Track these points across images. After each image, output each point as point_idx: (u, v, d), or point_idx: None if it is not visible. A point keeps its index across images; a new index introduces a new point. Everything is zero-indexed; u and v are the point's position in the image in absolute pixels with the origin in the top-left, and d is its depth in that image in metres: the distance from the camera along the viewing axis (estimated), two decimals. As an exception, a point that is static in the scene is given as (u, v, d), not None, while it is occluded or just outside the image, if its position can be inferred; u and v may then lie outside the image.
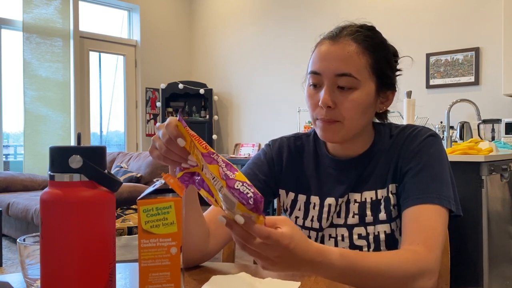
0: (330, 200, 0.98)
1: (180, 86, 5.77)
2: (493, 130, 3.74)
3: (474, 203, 2.29)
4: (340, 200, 0.97)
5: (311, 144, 1.04)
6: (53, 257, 0.54)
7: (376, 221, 0.94)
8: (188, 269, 0.88)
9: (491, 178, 2.34)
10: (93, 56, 5.75)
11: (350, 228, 0.96)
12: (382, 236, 0.93)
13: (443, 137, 3.06)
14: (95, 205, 0.56)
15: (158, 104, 6.00)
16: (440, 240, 0.83)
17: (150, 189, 0.61)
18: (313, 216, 0.99)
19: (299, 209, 1.01)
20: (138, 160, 4.49)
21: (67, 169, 0.55)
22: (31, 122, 5.06)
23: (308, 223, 1.00)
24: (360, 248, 0.95)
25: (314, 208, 0.99)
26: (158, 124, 0.73)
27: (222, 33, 6.12)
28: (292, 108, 5.20)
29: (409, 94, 2.83)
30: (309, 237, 1.00)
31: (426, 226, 0.83)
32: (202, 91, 5.81)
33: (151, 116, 6.13)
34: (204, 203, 0.82)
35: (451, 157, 2.27)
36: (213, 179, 0.61)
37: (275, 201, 1.12)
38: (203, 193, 0.65)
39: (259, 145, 5.68)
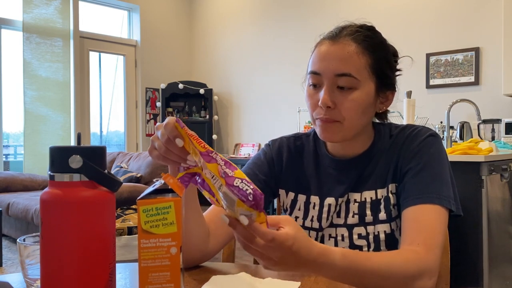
0: (330, 200, 0.98)
1: (180, 86, 5.78)
2: (493, 130, 3.74)
3: (474, 203, 2.29)
4: (340, 200, 0.97)
5: (311, 144, 1.04)
6: (53, 257, 0.54)
7: (376, 221, 0.94)
8: (188, 269, 0.88)
9: (491, 178, 2.34)
10: (93, 56, 5.75)
11: (350, 228, 0.96)
12: (382, 236, 0.93)
13: (443, 137, 3.06)
14: (95, 205, 0.56)
15: (158, 104, 6.00)
16: (440, 240, 0.83)
17: (150, 189, 0.61)
18: (313, 216, 0.99)
19: (299, 209, 1.01)
20: (138, 160, 4.49)
21: (67, 169, 0.55)
22: (31, 122, 5.06)
23: (308, 223, 1.00)
24: (360, 248, 0.95)
25: (314, 208, 0.99)
26: (157, 123, 0.73)
27: (222, 33, 6.12)
28: (292, 108, 5.20)
29: (409, 94, 2.83)
30: (309, 237, 1.00)
31: (426, 226, 0.83)
32: (202, 91, 5.81)
33: (151, 116, 6.13)
34: (204, 203, 0.82)
35: (451, 157, 2.27)
36: (212, 178, 0.61)
37: (275, 201, 1.12)
38: (205, 193, 0.65)
39: (259, 145, 5.68)
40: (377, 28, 0.95)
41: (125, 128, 6.04)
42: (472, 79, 3.99)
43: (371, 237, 0.94)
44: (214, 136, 5.83)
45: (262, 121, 5.69)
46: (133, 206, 3.55)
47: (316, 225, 0.99)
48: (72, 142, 5.35)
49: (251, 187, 0.57)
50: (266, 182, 1.02)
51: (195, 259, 0.90)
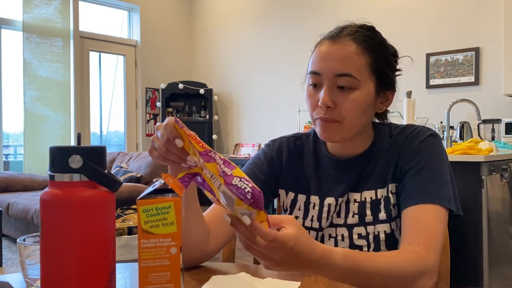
0: (330, 200, 0.98)
1: (180, 86, 5.78)
2: (493, 130, 3.74)
3: (474, 203, 2.29)
4: (340, 199, 0.97)
5: (311, 144, 1.04)
6: (53, 257, 0.54)
7: (376, 221, 0.94)
8: (188, 269, 0.88)
9: (491, 178, 2.34)
10: (93, 56, 5.75)
11: (350, 227, 0.96)
12: (382, 235, 0.93)
13: (443, 137, 3.06)
14: (95, 205, 0.56)
15: (158, 104, 6.00)
16: (440, 240, 0.83)
17: (149, 189, 0.61)
18: (313, 216, 0.99)
19: (299, 209, 1.01)
20: (138, 160, 4.49)
21: (67, 169, 0.55)
22: (31, 122, 5.06)
23: (308, 223, 1.00)
24: (360, 247, 0.95)
25: (314, 208, 0.99)
26: (157, 124, 0.73)
27: (222, 33, 6.12)
28: (292, 108, 5.21)
29: (409, 94, 2.83)
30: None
31: (426, 226, 0.83)
32: (202, 91, 5.81)
33: (151, 116, 6.13)
34: (204, 203, 0.83)
35: (451, 157, 2.27)
36: (212, 177, 0.61)
37: (275, 201, 1.12)
38: (207, 193, 0.65)
39: (259, 145, 5.68)
40: (377, 28, 0.95)
41: (125, 128, 6.04)
42: (472, 79, 3.99)
43: (371, 237, 0.94)
44: (214, 136, 5.83)
45: (262, 121, 5.69)
46: (133, 206, 3.55)
47: (316, 225, 0.99)
48: (72, 142, 5.35)
49: (250, 185, 0.56)
50: (266, 182, 1.02)
51: (195, 259, 0.90)
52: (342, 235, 0.96)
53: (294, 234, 0.63)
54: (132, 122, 6.07)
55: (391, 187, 0.94)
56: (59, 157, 0.56)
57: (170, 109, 5.97)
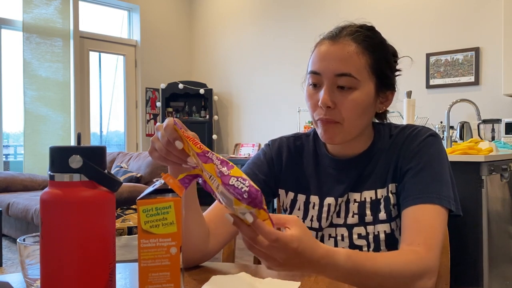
0: (329, 200, 0.98)
1: (180, 86, 5.78)
2: (493, 130, 3.74)
3: (474, 203, 2.29)
4: (339, 199, 0.97)
5: (310, 144, 1.04)
6: (53, 257, 0.54)
7: (376, 221, 0.94)
8: (188, 269, 0.88)
9: (491, 178, 2.34)
10: (93, 56, 5.75)
11: (349, 227, 0.96)
12: (382, 235, 0.93)
13: (443, 137, 3.06)
14: (95, 205, 0.56)
15: (158, 104, 6.00)
16: (440, 240, 0.83)
17: (149, 189, 0.61)
18: (312, 216, 0.99)
19: (299, 209, 1.01)
20: (138, 160, 4.50)
21: (67, 169, 0.55)
22: (31, 122, 5.06)
23: (307, 223, 1.00)
24: (359, 247, 0.95)
25: (313, 207, 0.99)
26: (157, 124, 0.73)
27: (222, 33, 6.12)
28: (292, 108, 5.21)
29: (409, 94, 2.83)
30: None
31: (426, 226, 0.83)
32: (202, 91, 5.81)
33: (151, 116, 6.13)
34: (204, 203, 0.83)
35: (451, 157, 2.27)
36: (210, 178, 0.61)
37: (275, 201, 1.12)
38: (213, 195, 0.65)
39: (259, 145, 5.68)
40: (377, 28, 0.95)
41: (125, 128, 6.04)
42: (472, 79, 3.99)
43: (371, 237, 0.94)
44: (214, 136, 5.83)
45: (262, 121, 5.69)
46: (133, 206, 3.55)
47: (316, 225, 0.99)
48: (72, 142, 5.35)
49: (247, 184, 0.56)
50: (266, 182, 1.02)
51: (195, 259, 0.90)
52: (342, 235, 0.96)
53: (297, 235, 0.63)
54: (132, 122, 6.08)
55: (391, 187, 0.94)
56: (59, 157, 0.56)
57: (170, 109, 5.97)
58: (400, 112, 3.44)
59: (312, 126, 0.95)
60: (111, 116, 6.00)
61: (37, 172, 4.99)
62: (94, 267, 0.55)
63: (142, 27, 6.00)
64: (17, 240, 0.66)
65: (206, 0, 6.32)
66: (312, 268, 0.67)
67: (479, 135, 3.71)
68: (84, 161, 0.55)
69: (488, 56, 3.91)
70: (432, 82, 4.22)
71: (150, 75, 6.08)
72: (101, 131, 5.94)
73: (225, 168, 0.58)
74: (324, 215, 0.98)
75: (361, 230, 0.95)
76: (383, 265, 0.75)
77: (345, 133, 0.91)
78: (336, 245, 0.97)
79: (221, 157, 0.60)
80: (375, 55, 0.90)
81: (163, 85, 5.87)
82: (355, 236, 0.95)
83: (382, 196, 0.94)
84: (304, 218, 1.00)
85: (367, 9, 4.62)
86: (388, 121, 1.04)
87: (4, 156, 5.16)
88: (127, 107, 6.03)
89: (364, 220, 0.95)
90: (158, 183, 0.62)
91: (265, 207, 0.59)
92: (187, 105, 6.05)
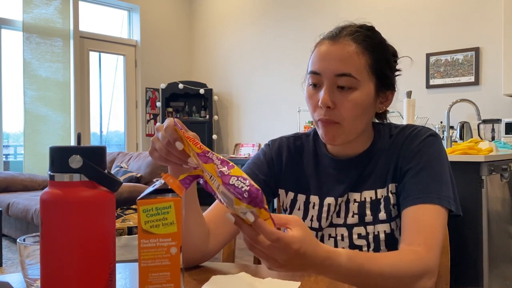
0: (329, 200, 0.98)
1: (180, 86, 5.78)
2: (493, 130, 3.74)
3: (474, 203, 2.29)
4: (339, 199, 0.97)
5: (310, 144, 1.04)
6: (53, 257, 0.54)
7: (375, 221, 0.94)
8: (188, 269, 0.88)
9: (491, 178, 2.34)
10: (93, 56, 5.75)
11: (349, 227, 0.96)
12: (382, 235, 0.93)
13: (443, 137, 3.06)
14: (95, 205, 0.56)
15: (158, 104, 6.00)
16: (440, 240, 0.83)
17: (150, 189, 0.61)
18: (312, 216, 0.99)
19: (299, 209, 1.01)
20: (138, 160, 4.49)
21: (67, 169, 0.55)
22: (31, 122, 5.06)
23: (307, 223, 1.00)
24: (359, 247, 0.95)
25: (313, 207, 0.99)
26: (157, 124, 0.73)
27: (222, 33, 6.12)
28: (292, 108, 5.21)
29: (409, 94, 2.83)
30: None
31: (426, 226, 0.83)
32: (202, 91, 5.81)
33: (151, 116, 6.13)
34: (204, 203, 0.83)
35: (451, 157, 2.27)
36: (211, 178, 0.61)
37: (275, 201, 1.12)
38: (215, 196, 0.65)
39: (259, 145, 5.68)
40: (377, 28, 0.95)
41: (125, 128, 6.04)
42: (472, 79, 3.99)
43: (370, 237, 0.94)
44: (214, 136, 5.83)
45: (262, 121, 5.69)
46: (133, 206, 3.55)
47: (315, 224, 0.99)
48: (72, 142, 5.35)
49: (247, 183, 0.56)
50: (266, 182, 1.02)
51: (195, 259, 0.90)
52: (342, 235, 0.96)
53: (299, 236, 0.62)
54: (132, 122, 6.08)
55: (391, 187, 0.94)
56: (59, 157, 0.56)
57: (170, 109, 5.97)
58: (400, 112, 3.44)
59: (312, 126, 0.94)
60: (111, 116, 6.00)
61: (37, 172, 4.99)
62: (94, 267, 0.55)
63: (142, 27, 6.00)
64: (17, 240, 0.66)
65: (206, 0, 6.32)
66: (314, 269, 0.67)
67: (479, 135, 3.71)
68: (84, 161, 0.55)
69: (488, 56, 3.91)
70: (432, 82, 4.22)
71: (150, 75, 6.08)
72: (101, 131, 5.94)
73: (226, 167, 0.58)
74: (324, 215, 0.98)
75: (361, 230, 0.95)
76: (384, 265, 0.75)
77: (345, 134, 0.91)
78: (336, 245, 0.97)
79: (222, 157, 0.60)
80: (375, 55, 0.90)
81: (163, 85, 5.87)
82: (355, 236, 0.95)
83: (382, 196, 0.95)
84: (304, 218, 1.00)
85: (367, 9, 4.62)
86: (388, 121, 1.04)
87: (4, 156, 5.16)
88: (127, 107, 6.03)
89: (364, 220, 0.95)
90: (158, 183, 0.62)
91: (266, 206, 0.59)
92: (187, 105, 6.05)
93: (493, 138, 3.69)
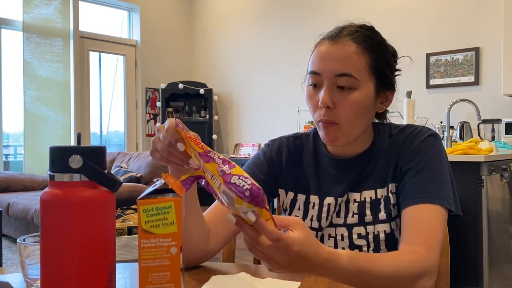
0: (329, 200, 0.98)
1: (180, 86, 5.78)
2: (493, 130, 3.74)
3: (474, 203, 2.29)
4: (339, 199, 0.97)
5: (310, 143, 1.04)
6: (53, 257, 0.54)
7: (375, 221, 0.94)
8: (188, 269, 0.88)
9: (491, 178, 2.34)
10: (93, 56, 5.75)
11: (349, 227, 0.96)
12: (382, 235, 0.93)
13: (443, 137, 3.06)
14: (95, 205, 0.56)
15: (158, 104, 6.00)
16: (440, 240, 0.83)
17: (150, 189, 0.61)
18: (312, 216, 0.99)
19: (299, 209, 1.01)
20: (138, 160, 4.50)
21: (67, 169, 0.55)
22: (31, 122, 5.06)
23: (307, 223, 1.00)
24: (359, 247, 0.95)
25: (313, 207, 0.99)
26: (158, 124, 0.73)
27: (222, 33, 6.12)
28: (292, 108, 5.21)
29: (409, 94, 2.83)
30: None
31: (426, 226, 0.83)
32: (202, 91, 5.81)
33: (151, 116, 6.13)
34: (204, 203, 0.83)
35: (451, 157, 2.27)
36: (212, 177, 0.61)
37: (275, 200, 1.12)
38: (215, 196, 0.65)
39: (259, 145, 5.68)
40: (377, 28, 0.95)
41: (125, 128, 6.04)
42: (472, 79, 3.99)
43: (370, 236, 0.94)
44: (214, 136, 5.83)
45: (262, 121, 5.69)
46: (133, 206, 3.55)
47: (315, 224, 0.99)
48: (72, 142, 5.35)
49: (248, 182, 0.56)
50: (266, 182, 1.03)
51: (195, 259, 0.90)
52: (342, 235, 0.96)
53: (299, 238, 0.62)
54: (132, 122, 6.08)
55: (391, 187, 0.94)
56: (59, 157, 0.56)
57: (170, 109, 5.97)
58: (400, 112, 3.44)
59: (312, 126, 0.94)
60: (111, 116, 6.00)
61: (37, 172, 4.99)
62: (94, 267, 0.55)
63: (142, 27, 6.00)
64: (17, 240, 0.66)
65: (206, 0, 6.32)
66: (315, 271, 0.67)
67: (479, 135, 3.71)
68: (84, 161, 0.55)
69: (488, 56, 3.91)
70: (432, 82, 4.22)
71: (150, 75, 6.08)
72: (101, 131, 5.94)
73: (227, 166, 0.58)
74: (324, 215, 0.98)
75: (361, 230, 0.95)
76: (384, 266, 0.75)
77: (346, 135, 0.91)
78: (336, 245, 0.97)
79: (223, 157, 0.60)
80: (375, 55, 0.90)
81: (163, 85, 5.87)
82: (355, 236, 0.95)
83: (382, 196, 0.95)
84: (304, 218, 1.00)
85: (367, 9, 4.62)
86: (388, 121, 1.04)
87: (4, 156, 5.16)
88: (127, 107, 6.03)
89: (364, 220, 0.95)
90: (158, 183, 0.62)
91: (268, 207, 0.59)
92: (187, 105, 6.05)
93: (493, 138, 3.69)
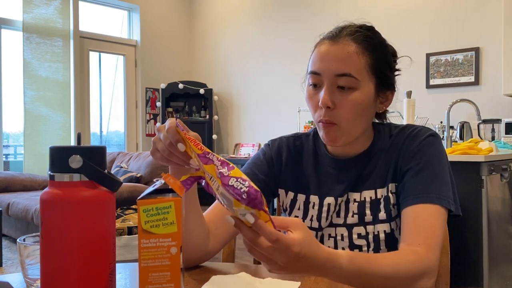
0: (329, 200, 0.98)
1: (180, 86, 5.78)
2: (493, 130, 3.74)
3: (474, 203, 2.29)
4: (339, 199, 0.97)
5: (310, 143, 1.04)
6: (53, 257, 0.54)
7: (375, 221, 0.94)
8: (188, 269, 0.88)
9: (491, 178, 2.34)
10: (93, 56, 5.75)
11: (349, 227, 0.96)
12: (381, 235, 0.93)
13: (443, 137, 3.06)
14: (95, 205, 0.56)
15: (158, 104, 6.00)
16: (440, 240, 0.83)
17: (150, 189, 0.61)
18: (312, 216, 0.99)
19: (299, 209, 1.01)
20: (138, 160, 4.50)
21: (67, 169, 0.55)
22: (31, 122, 5.06)
23: (307, 223, 1.00)
24: (359, 247, 0.95)
25: (313, 207, 0.99)
26: (158, 124, 0.73)
27: (222, 33, 6.12)
28: (292, 108, 5.21)
29: (409, 94, 2.83)
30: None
31: (426, 226, 0.83)
32: (202, 91, 5.81)
33: (151, 116, 6.13)
34: (204, 203, 0.83)
35: (451, 157, 2.27)
36: (210, 179, 0.61)
37: (275, 200, 1.12)
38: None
39: (259, 145, 5.68)
40: (377, 28, 0.95)
41: (125, 128, 6.04)
42: (472, 79, 3.99)
43: (370, 236, 0.94)
44: (214, 136, 5.83)
45: (262, 121, 5.69)
46: (133, 206, 3.55)
47: (315, 224, 0.99)
48: (72, 142, 5.35)
49: (246, 185, 0.56)
50: (266, 182, 1.02)
51: (195, 259, 0.90)
52: (342, 235, 0.96)
53: (299, 239, 0.62)
54: (132, 122, 6.08)
55: (391, 187, 0.94)
56: (59, 157, 0.56)
57: (170, 109, 5.97)
58: (400, 112, 3.44)
59: (312, 126, 0.94)
60: (111, 116, 6.00)
61: (37, 172, 4.99)
62: (94, 267, 0.55)
63: (142, 27, 6.00)
64: (17, 240, 0.66)
65: (206, 0, 6.32)
66: (314, 271, 0.67)
67: (479, 135, 3.71)
68: (84, 161, 0.55)
69: (488, 56, 3.91)
70: (432, 82, 4.22)
71: (150, 75, 6.08)
72: (101, 131, 5.94)
73: (225, 169, 0.58)
74: (324, 214, 0.98)
75: (360, 230, 0.95)
76: (384, 266, 0.75)
77: (346, 135, 0.91)
78: (336, 244, 0.97)
79: (222, 158, 0.60)
80: (375, 55, 0.90)
81: (163, 85, 5.87)
82: (354, 236, 0.95)
83: (382, 196, 0.95)
84: (304, 218, 1.00)
85: (367, 9, 4.62)
86: (388, 121, 1.04)
87: (4, 156, 5.16)
88: (127, 107, 6.03)
89: (364, 220, 0.95)
90: (158, 183, 0.62)
91: (266, 208, 0.59)
92: (187, 105, 6.05)
93: (493, 138, 3.69)
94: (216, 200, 0.66)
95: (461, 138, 3.65)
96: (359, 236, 0.95)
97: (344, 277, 0.71)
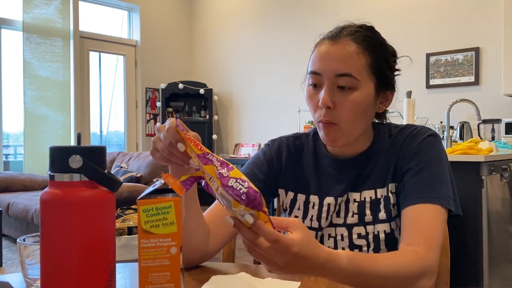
0: (329, 200, 0.98)
1: (180, 86, 5.78)
2: (493, 130, 3.74)
3: (474, 203, 2.29)
4: (339, 199, 0.97)
5: (310, 143, 1.04)
6: (53, 257, 0.54)
7: (375, 221, 0.94)
8: (188, 269, 0.88)
9: (491, 178, 2.34)
10: (93, 56, 5.75)
11: (349, 227, 0.96)
12: (381, 235, 0.93)
13: (443, 137, 3.06)
14: (95, 205, 0.56)
15: (158, 104, 6.00)
16: (440, 240, 0.83)
17: (150, 189, 0.61)
18: (312, 216, 0.99)
19: (298, 209, 1.01)
20: (138, 160, 4.49)
21: (67, 169, 0.55)
22: (31, 122, 5.06)
23: (307, 223, 1.00)
24: (359, 247, 0.95)
25: (313, 207, 0.99)
26: (158, 124, 0.73)
27: (222, 33, 6.12)
28: (292, 108, 5.21)
29: (409, 94, 2.83)
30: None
31: (426, 226, 0.83)
32: (202, 91, 5.81)
33: (151, 116, 6.13)
34: (204, 203, 0.83)
35: (451, 157, 2.27)
36: (210, 179, 0.61)
37: (275, 200, 1.12)
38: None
39: (259, 145, 5.68)
40: (377, 28, 0.95)
41: (125, 128, 6.04)
42: (472, 79, 3.99)
43: (370, 236, 0.94)
44: (214, 136, 5.83)
45: (262, 121, 5.69)
46: (133, 206, 3.55)
47: (315, 224, 0.99)
48: (72, 142, 5.35)
49: (246, 185, 0.56)
50: (266, 182, 1.02)
51: (195, 259, 0.90)
52: (342, 235, 0.96)
53: (298, 239, 0.62)
54: (132, 122, 6.08)
55: (391, 186, 0.94)
56: (59, 157, 0.56)
57: (170, 109, 5.97)
58: (400, 112, 3.44)
59: (312, 126, 0.94)
60: (111, 116, 6.00)
61: (37, 172, 4.99)
62: (94, 267, 0.55)
63: (142, 27, 6.00)
64: (17, 240, 0.66)
65: (206, 0, 6.32)
66: (314, 272, 0.67)
67: (479, 135, 3.71)
68: (84, 161, 0.55)
69: (488, 56, 3.91)
70: (432, 82, 4.22)
71: (150, 75, 6.08)
72: (101, 131, 5.94)
73: (225, 169, 0.58)
74: (323, 214, 0.98)
75: (360, 230, 0.95)
76: (384, 266, 0.75)
77: (346, 135, 0.91)
78: (335, 244, 0.97)
79: (222, 159, 0.60)
80: (375, 55, 0.90)
81: (163, 85, 5.87)
82: (354, 236, 0.95)
83: (382, 195, 0.95)
84: (304, 218, 1.00)
85: (367, 9, 4.62)
86: (388, 121, 1.04)
87: (4, 156, 5.16)
88: (127, 107, 6.03)
89: (364, 219, 0.95)
90: (158, 183, 0.62)
91: (266, 209, 0.59)
92: (187, 105, 6.05)
93: (493, 138, 3.69)
94: (216, 200, 0.66)
95: (461, 138, 3.65)
96: (359, 236, 0.95)
97: (344, 277, 0.71)
